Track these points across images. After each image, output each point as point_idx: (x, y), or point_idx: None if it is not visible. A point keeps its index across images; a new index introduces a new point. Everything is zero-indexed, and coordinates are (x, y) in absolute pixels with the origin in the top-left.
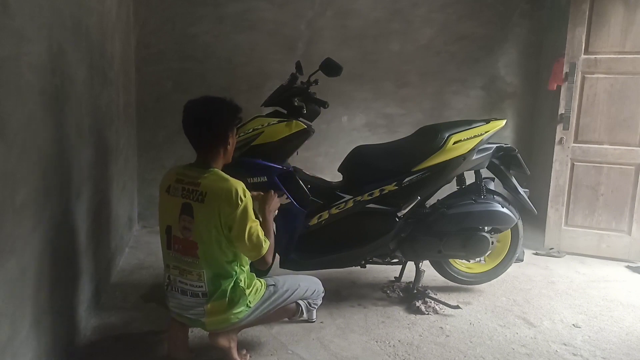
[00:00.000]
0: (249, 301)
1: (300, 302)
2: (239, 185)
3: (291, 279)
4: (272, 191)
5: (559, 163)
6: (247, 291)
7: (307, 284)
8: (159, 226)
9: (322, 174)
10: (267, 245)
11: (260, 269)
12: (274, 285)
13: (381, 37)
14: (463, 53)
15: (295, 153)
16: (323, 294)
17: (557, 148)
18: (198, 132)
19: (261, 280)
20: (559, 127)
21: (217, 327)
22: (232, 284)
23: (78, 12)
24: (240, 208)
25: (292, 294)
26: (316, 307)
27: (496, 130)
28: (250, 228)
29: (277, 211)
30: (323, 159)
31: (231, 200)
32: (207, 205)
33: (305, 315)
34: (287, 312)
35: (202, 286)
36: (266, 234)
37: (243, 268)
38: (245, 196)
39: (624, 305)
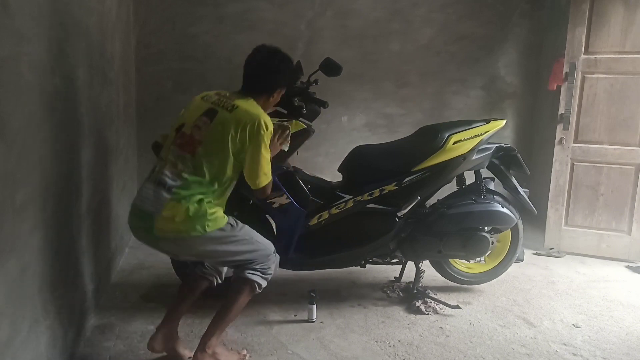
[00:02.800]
0: (207, 225)
1: (252, 275)
2: (267, 118)
3: (248, 229)
4: (276, 137)
5: (559, 163)
6: (209, 212)
7: (259, 243)
8: (171, 127)
9: (322, 174)
10: (268, 179)
11: (258, 197)
12: (232, 225)
13: (381, 37)
14: (463, 53)
15: (296, 153)
16: (276, 256)
17: (557, 148)
18: (252, 73)
19: (226, 216)
20: (559, 127)
21: (165, 234)
22: (200, 198)
23: (78, 12)
24: (261, 135)
25: (244, 246)
26: (270, 276)
27: (496, 130)
28: (262, 158)
29: (275, 204)
30: (323, 159)
31: (255, 124)
32: (233, 117)
33: (264, 286)
34: (244, 294)
35: (176, 181)
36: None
37: (219, 192)
38: (268, 128)
39: (624, 305)
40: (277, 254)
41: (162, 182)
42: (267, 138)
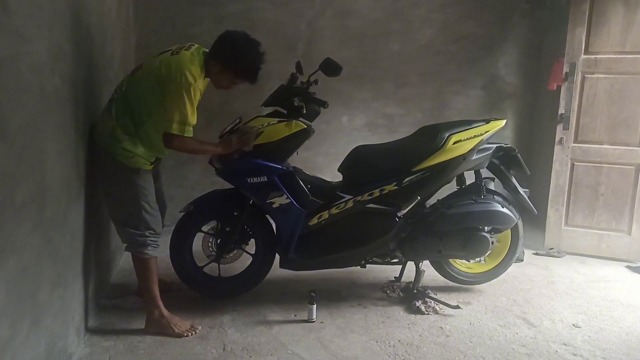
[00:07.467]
0: (125, 148)
1: (139, 238)
2: (194, 71)
3: (155, 213)
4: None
5: (559, 163)
6: (126, 146)
7: (151, 213)
8: None
9: (322, 174)
10: (183, 131)
11: (166, 145)
12: (139, 173)
13: (381, 37)
14: (463, 53)
15: (296, 153)
16: (159, 231)
17: (557, 148)
18: (223, 37)
19: (143, 166)
20: (559, 127)
21: (100, 139)
22: (124, 126)
23: (78, 12)
24: (179, 82)
25: (137, 200)
26: (154, 241)
27: (496, 130)
28: (180, 104)
29: (275, 204)
30: (323, 159)
31: (178, 71)
32: (170, 59)
33: (149, 252)
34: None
35: (116, 94)
36: (202, 145)
37: (138, 125)
38: (187, 79)
39: (624, 305)
40: (274, 253)
41: (112, 96)
42: (189, 89)
